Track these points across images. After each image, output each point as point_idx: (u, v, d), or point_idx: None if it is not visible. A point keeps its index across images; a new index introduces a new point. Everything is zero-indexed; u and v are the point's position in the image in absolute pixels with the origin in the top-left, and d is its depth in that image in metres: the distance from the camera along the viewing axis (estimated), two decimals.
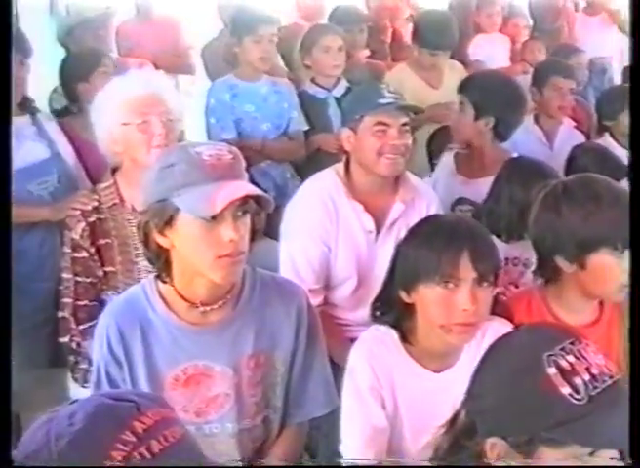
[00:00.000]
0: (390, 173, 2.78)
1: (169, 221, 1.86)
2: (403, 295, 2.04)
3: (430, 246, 1.96)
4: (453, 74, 4.36)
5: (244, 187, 1.85)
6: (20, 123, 3.17)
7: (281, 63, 5.06)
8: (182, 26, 5.92)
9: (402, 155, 2.76)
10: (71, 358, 2.80)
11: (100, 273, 2.61)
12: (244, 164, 1.91)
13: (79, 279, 2.62)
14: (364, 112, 2.75)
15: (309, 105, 4.18)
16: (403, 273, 2.03)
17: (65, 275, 2.65)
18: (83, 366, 2.76)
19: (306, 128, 4.15)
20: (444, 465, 1.57)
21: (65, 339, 2.72)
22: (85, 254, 2.59)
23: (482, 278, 1.94)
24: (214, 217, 1.81)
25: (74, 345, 2.73)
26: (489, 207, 3.01)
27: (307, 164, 4.08)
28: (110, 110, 2.57)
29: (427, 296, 1.97)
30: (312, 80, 4.23)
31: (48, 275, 3.12)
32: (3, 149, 1.86)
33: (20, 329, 3.17)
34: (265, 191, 1.98)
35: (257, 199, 1.87)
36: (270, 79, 4.19)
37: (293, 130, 4.14)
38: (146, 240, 1.93)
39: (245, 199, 1.83)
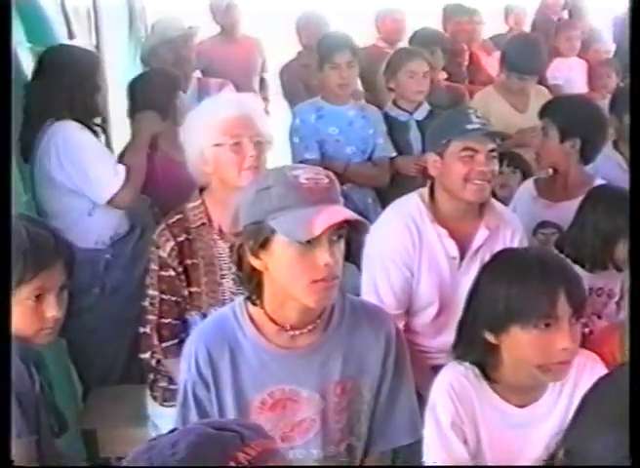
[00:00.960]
0: (476, 199, 2.74)
1: (264, 244, 1.85)
2: (489, 337, 1.99)
3: (523, 285, 1.89)
4: (539, 98, 4.28)
5: (342, 212, 1.84)
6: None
7: (360, 85, 5.09)
8: (263, 47, 5.99)
9: (488, 181, 2.73)
10: (150, 375, 2.81)
11: (185, 292, 2.61)
12: (339, 188, 1.90)
13: (164, 297, 2.63)
14: (451, 137, 2.72)
15: (390, 128, 4.18)
16: (491, 314, 1.97)
17: (151, 292, 2.66)
18: (162, 384, 2.78)
19: (393, 155, 4.15)
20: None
21: (146, 355, 2.74)
22: (172, 273, 2.60)
23: (576, 314, 1.90)
24: (309, 241, 1.80)
25: (154, 362, 2.75)
26: (573, 235, 2.96)
27: (388, 188, 4.08)
28: (202, 131, 2.58)
29: (522, 338, 1.92)
30: (394, 102, 4.22)
31: (132, 291, 3.14)
32: (3, 147, 1.87)
33: (98, 344, 3.23)
34: None
35: (352, 223, 1.85)
36: (358, 104, 4.21)
37: (378, 156, 4.14)
38: (240, 262, 1.92)
39: (341, 223, 1.82)
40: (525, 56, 4.29)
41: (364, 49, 5.55)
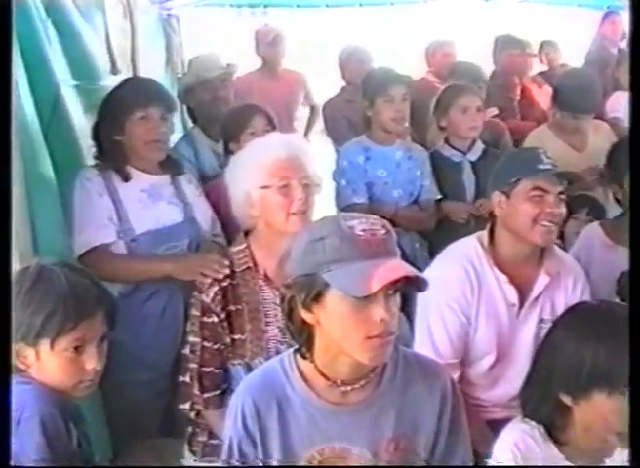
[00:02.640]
0: (544, 241, 2.72)
1: (316, 297, 1.84)
2: (565, 399, 1.95)
3: (613, 348, 1.85)
4: (598, 135, 4.26)
5: (400, 268, 1.83)
6: (158, 182, 3.21)
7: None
8: (306, 82, 6.01)
9: (556, 224, 2.71)
10: (189, 429, 2.79)
11: (228, 340, 2.59)
12: (396, 239, 1.89)
13: (206, 344, 2.61)
14: (521, 176, 2.72)
15: (442, 168, 4.16)
16: (572, 376, 1.93)
17: (192, 339, 2.64)
18: (202, 438, 2.75)
19: (438, 197, 4.13)
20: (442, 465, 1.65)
21: (186, 406, 2.71)
22: (215, 319, 2.58)
23: None
24: (365, 296, 1.79)
25: (194, 414, 2.72)
26: None
27: (435, 232, 4.06)
28: (249, 172, 2.59)
29: (606, 405, 1.88)
30: (446, 141, 4.20)
31: (167, 346, 3.10)
32: (3, 149, 1.90)
33: (136, 398, 3.19)
34: None
35: (409, 278, 1.83)
36: (404, 144, 4.20)
37: (424, 199, 4.13)
38: (290, 314, 1.92)
39: (399, 279, 1.80)
40: (578, 94, 4.21)
41: (415, 82, 5.59)
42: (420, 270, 2.91)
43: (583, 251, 3.30)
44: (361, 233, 1.82)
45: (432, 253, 3.53)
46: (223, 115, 3.86)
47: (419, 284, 1.86)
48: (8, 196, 1.84)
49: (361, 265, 1.79)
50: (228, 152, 3.67)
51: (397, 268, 1.81)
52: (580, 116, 4.23)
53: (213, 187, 3.52)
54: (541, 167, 2.69)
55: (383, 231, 1.85)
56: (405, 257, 3.75)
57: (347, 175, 4.06)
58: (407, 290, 1.89)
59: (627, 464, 1.35)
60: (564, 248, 3.26)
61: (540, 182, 2.69)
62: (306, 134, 6.18)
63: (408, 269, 1.83)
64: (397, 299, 1.86)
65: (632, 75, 2.23)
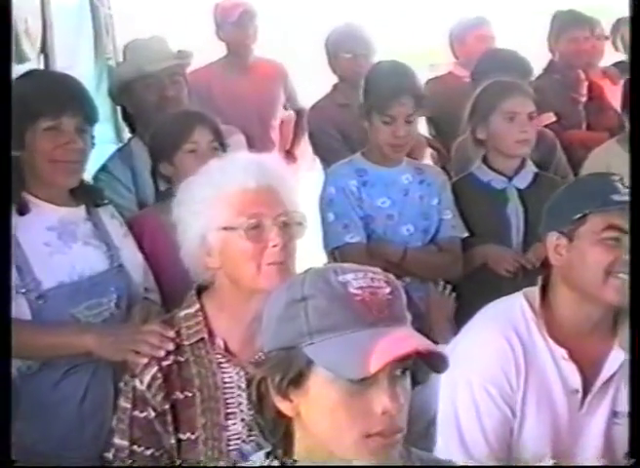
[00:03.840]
0: (620, 301, 2.71)
1: (296, 379, 1.85)
2: None
3: None
4: None
5: (410, 338, 1.84)
6: (70, 217, 3.23)
7: (428, 132, 5.13)
8: (287, 76, 6.05)
9: None
10: None
11: (172, 441, 2.59)
12: (405, 299, 1.91)
13: (137, 449, 2.61)
14: (589, 210, 2.73)
15: (478, 198, 4.20)
16: None
17: (118, 441, 2.64)
18: None
19: (464, 235, 4.17)
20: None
21: None
22: (151, 414, 2.58)
23: None
24: (363, 379, 1.80)
25: None
26: None
27: (466, 283, 4.08)
28: (205, 208, 2.60)
29: None
30: (484, 160, 4.24)
31: (89, 443, 3.11)
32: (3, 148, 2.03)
33: None
34: None
35: (423, 353, 1.84)
36: (413, 164, 4.26)
37: (445, 237, 4.17)
38: (260, 403, 1.92)
39: (408, 354, 1.81)
40: None
41: (436, 80, 5.64)
42: (443, 340, 2.97)
43: None
44: (357, 292, 1.83)
45: (461, 315, 3.58)
46: (153, 126, 3.88)
47: (436, 361, 1.87)
48: (8, 196, 1.99)
49: (357, 336, 1.80)
50: (159, 177, 3.72)
51: (406, 340, 1.82)
52: None
53: (135, 221, 3.57)
54: (617, 198, 2.70)
55: (388, 289, 1.87)
56: (419, 317, 3.87)
57: (336, 207, 4.11)
58: (420, 369, 1.89)
59: None
60: None
61: (615, 219, 2.69)
62: (290, 150, 6.24)
63: (420, 341, 1.84)
64: (407, 383, 1.87)
65: (633, 74, 2.28)
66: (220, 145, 3.65)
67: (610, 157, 4.39)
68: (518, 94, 4.21)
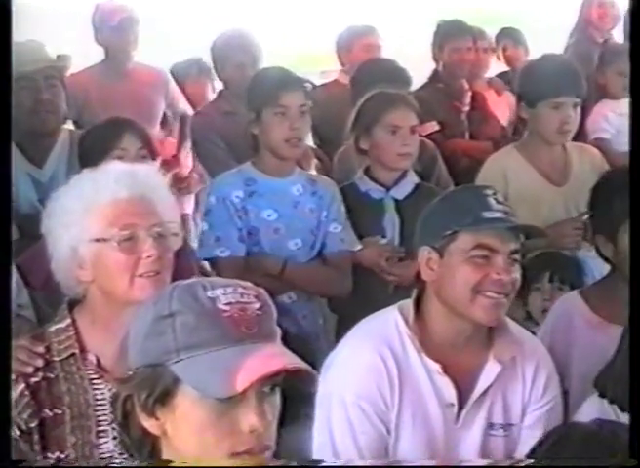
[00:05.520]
0: (488, 319, 2.77)
1: (162, 397, 1.85)
2: None
3: None
4: (584, 163, 4.36)
5: (279, 356, 1.85)
6: None
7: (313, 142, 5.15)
8: (169, 82, 6.01)
9: (507, 295, 2.76)
10: None
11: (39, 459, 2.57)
12: (275, 315, 1.92)
13: None
14: (459, 227, 2.75)
15: (356, 208, 4.22)
16: None
17: None
18: None
19: (356, 248, 4.17)
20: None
21: None
22: (15, 433, 2.53)
23: None
24: (229, 397, 1.80)
25: None
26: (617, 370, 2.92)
27: (349, 301, 4.08)
28: (75, 219, 2.57)
29: None
30: (366, 171, 4.27)
31: None
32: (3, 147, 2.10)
33: None
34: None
35: (292, 371, 1.85)
36: (305, 175, 4.25)
37: (333, 251, 4.15)
38: (125, 421, 1.91)
39: (277, 372, 1.82)
40: (555, 76, 4.30)
41: (322, 87, 5.65)
42: (325, 356, 2.99)
43: (559, 333, 3.36)
44: (226, 307, 1.83)
45: (343, 331, 3.55)
46: (80, 135, 3.87)
47: (306, 379, 1.88)
48: (8, 196, 2.04)
49: (224, 353, 1.80)
50: None
51: (274, 357, 1.83)
52: (560, 100, 4.23)
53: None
54: (489, 215, 2.73)
55: (257, 304, 1.87)
56: (304, 338, 3.87)
57: (212, 217, 4.08)
58: (291, 386, 1.90)
59: None
60: (533, 331, 3.31)
61: (485, 238, 2.73)
62: (175, 156, 6.15)
63: (289, 359, 1.84)
64: (275, 400, 1.87)
65: (633, 73, 2.30)
66: (150, 153, 3.64)
67: (507, 163, 4.44)
68: (401, 106, 4.24)
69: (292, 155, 4.14)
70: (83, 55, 5.73)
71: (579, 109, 4.36)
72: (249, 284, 1.93)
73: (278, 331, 1.92)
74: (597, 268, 3.77)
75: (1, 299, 1.93)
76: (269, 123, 4.05)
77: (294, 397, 1.97)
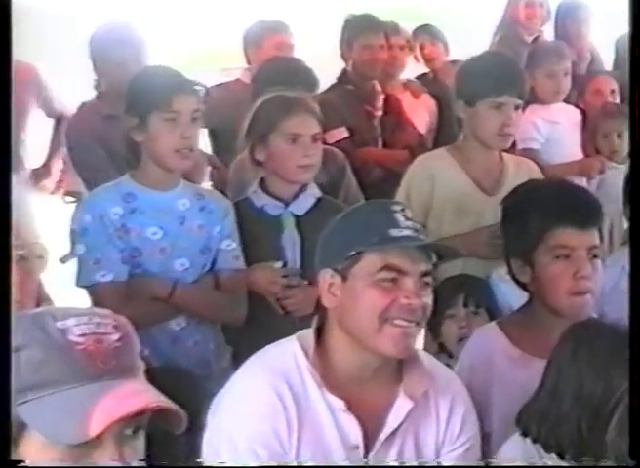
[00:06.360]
0: (398, 351, 2.76)
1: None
2: None
3: None
4: (520, 177, 4.29)
5: (140, 394, 1.81)
6: None
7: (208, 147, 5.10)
8: (41, 80, 5.97)
9: (417, 323, 2.76)
10: None
11: None
12: (138, 346, 1.89)
13: None
14: (364, 248, 2.74)
15: (251, 225, 4.15)
16: None
17: None
18: None
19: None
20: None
21: None
22: None
23: None
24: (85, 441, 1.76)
25: None
26: (543, 404, 2.95)
27: (246, 328, 4.04)
28: None
29: None
30: (261, 184, 4.22)
31: None
32: (3, 147, 2.23)
33: None
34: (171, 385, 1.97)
35: (159, 410, 1.82)
36: (193, 188, 4.16)
37: (225, 269, 4.09)
38: None
39: (140, 411, 1.79)
40: (498, 74, 4.34)
41: (217, 87, 5.61)
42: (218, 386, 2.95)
43: (478, 372, 3.35)
44: (79, 340, 1.80)
45: (237, 360, 3.59)
46: None
47: (171, 419, 1.85)
48: (8, 196, 2.12)
49: (77, 393, 1.77)
50: None
51: (135, 395, 1.80)
52: (500, 100, 4.27)
53: None
54: (396, 234, 2.73)
55: (117, 335, 1.84)
56: (193, 367, 3.82)
57: (89, 238, 3.95)
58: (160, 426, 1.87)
59: None
60: (448, 364, 3.35)
61: (392, 258, 2.72)
62: (46, 164, 6.14)
63: (153, 397, 1.82)
64: (139, 443, 1.85)
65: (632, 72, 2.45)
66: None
67: (436, 164, 4.47)
68: (301, 112, 4.17)
69: (181, 167, 4.04)
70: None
71: (520, 112, 4.43)
72: (107, 312, 1.91)
73: (141, 365, 1.89)
74: (512, 294, 3.77)
75: (1, 299, 1.89)
76: (157, 130, 3.94)
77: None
